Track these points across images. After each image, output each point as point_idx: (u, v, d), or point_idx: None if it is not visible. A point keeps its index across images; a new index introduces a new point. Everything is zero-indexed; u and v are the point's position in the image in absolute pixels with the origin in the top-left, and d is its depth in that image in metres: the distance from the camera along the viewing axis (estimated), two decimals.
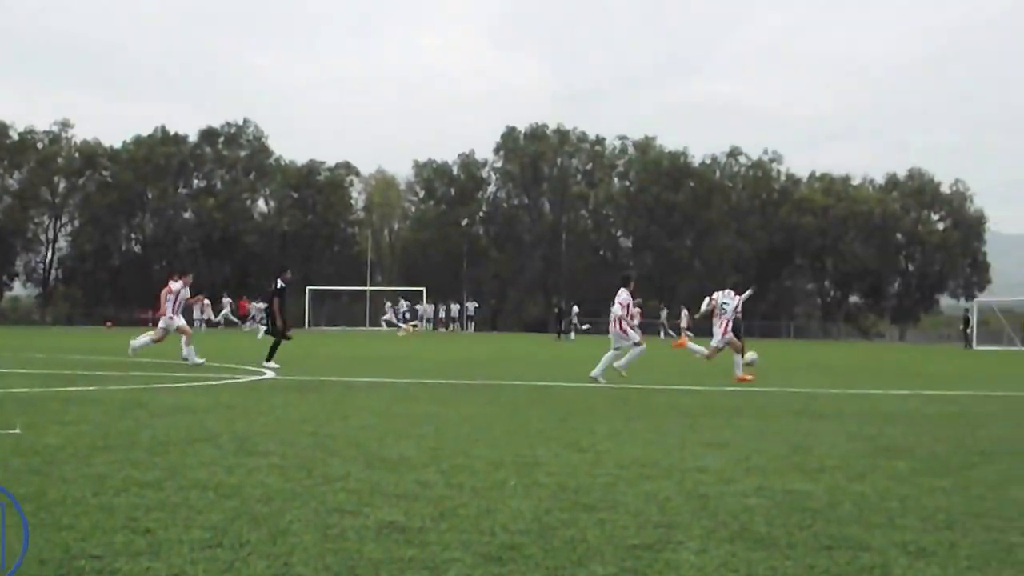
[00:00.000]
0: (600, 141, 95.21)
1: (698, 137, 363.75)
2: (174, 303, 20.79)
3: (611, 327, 18.39)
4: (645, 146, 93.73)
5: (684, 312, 60.62)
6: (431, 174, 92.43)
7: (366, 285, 76.02)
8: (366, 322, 71.61)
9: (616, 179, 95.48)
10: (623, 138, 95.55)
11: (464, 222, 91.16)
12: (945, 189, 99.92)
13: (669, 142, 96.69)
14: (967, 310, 69.02)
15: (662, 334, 64.28)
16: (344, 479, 6.60)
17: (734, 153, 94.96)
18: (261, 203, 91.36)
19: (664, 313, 68.82)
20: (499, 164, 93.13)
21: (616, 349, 18.16)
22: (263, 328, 24.74)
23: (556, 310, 55.43)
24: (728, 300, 20.06)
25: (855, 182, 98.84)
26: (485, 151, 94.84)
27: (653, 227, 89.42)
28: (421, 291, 70.11)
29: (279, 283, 21.10)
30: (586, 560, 4.66)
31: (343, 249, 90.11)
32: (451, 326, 71.94)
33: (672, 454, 8.33)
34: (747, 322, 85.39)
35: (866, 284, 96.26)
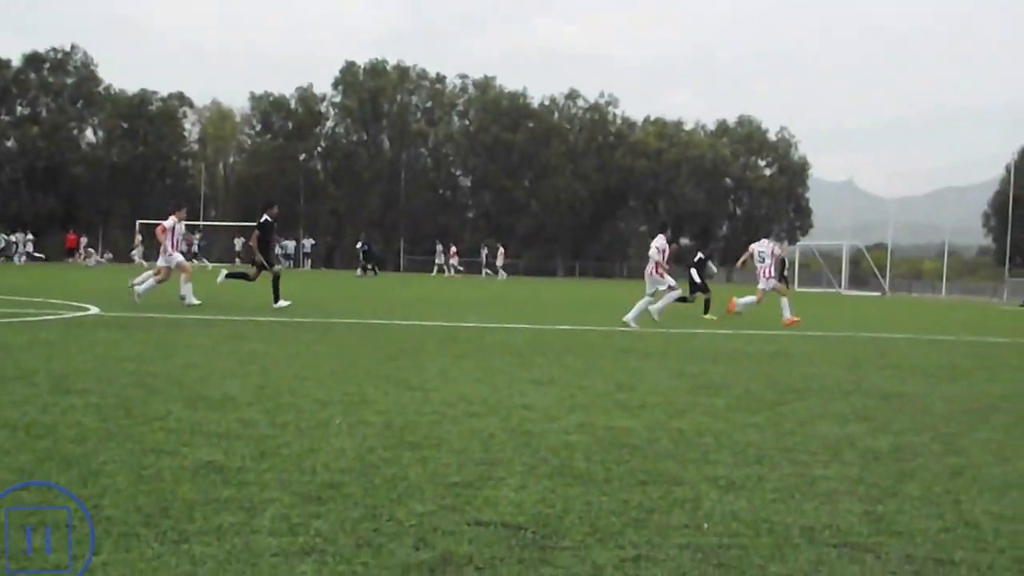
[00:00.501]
0: (441, 79, 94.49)
1: (537, 79, 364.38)
2: (172, 239, 20.24)
3: (647, 272, 19.13)
4: (485, 86, 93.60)
5: (500, 250, 61.98)
6: (268, 107, 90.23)
7: (199, 220, 74.09)
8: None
9: (456, 118, 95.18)
10: (463, 77, 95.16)
11: (302, 157, 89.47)
12: (772, 136, 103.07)
13: (509, 83, 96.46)
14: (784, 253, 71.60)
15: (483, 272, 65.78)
16: (163, 419, 6.45)
17: (572, 96, 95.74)
18: (89, 133, 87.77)
19: (485, 252, 69.32)
20: (338, 99, 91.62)
21: (651, 295, 18.74)
22: (224, 271, 23.07)
23: (364, 247, 54.75)
24: (764, 248, 21.75)
25: (688, 127, 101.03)
26: (324, 86, 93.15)
27: (492, 166, 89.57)
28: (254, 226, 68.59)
29: (264, 218, 20.61)
30: (406, 498, 4.67)
31: (176, 182, 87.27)
32: (286, 263, 70.85)
33: (499, 392, 8.41)
34: (582, 262, 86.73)
35: (696, 226, 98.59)
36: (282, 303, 19.04)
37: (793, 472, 5.54)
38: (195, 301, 19.11)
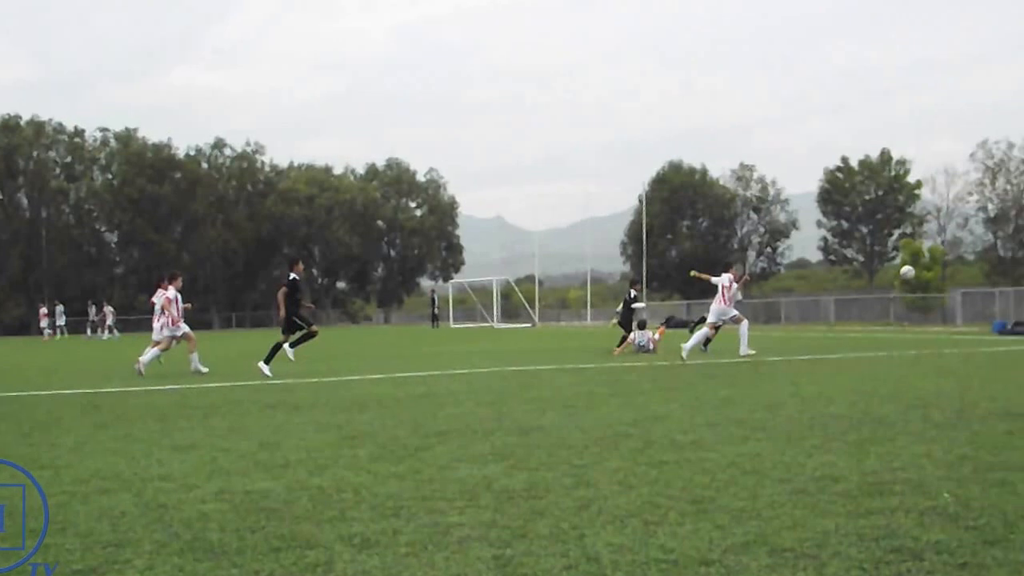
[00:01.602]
0: (79, 133, 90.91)
1: (182, 128, 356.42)
2: (178, 309, 20.29)
3: (714, 303, 21.73)
4: (127, 138, 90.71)
5: (107, 308, 59.75)
6: None
7: None
8: None
9: (98, 172, 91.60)
10: (104, 130, 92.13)
11: None
12: (421, 178, 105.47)
13: (152, 133, 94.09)
14: (433, 291, 73.41)
15: (89, 331, 63.16)
16: None
17: (219, 145, 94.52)
18: None
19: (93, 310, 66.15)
20: None
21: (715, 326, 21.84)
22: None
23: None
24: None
25: (338, 171, 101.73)
26: None
27: (139, 220, 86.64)
28: None
29: (292, 275, 19.39)
30: None
31: None
32: None
33: (137, 462, 8.01)
34: (238, 312, 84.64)
35: (352, 270, 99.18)
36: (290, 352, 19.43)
37: (428, 522, 5.55)
38: (203, 369, 19.68)
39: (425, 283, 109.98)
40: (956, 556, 4.55)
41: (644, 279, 69.12)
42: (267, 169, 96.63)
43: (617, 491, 6.29)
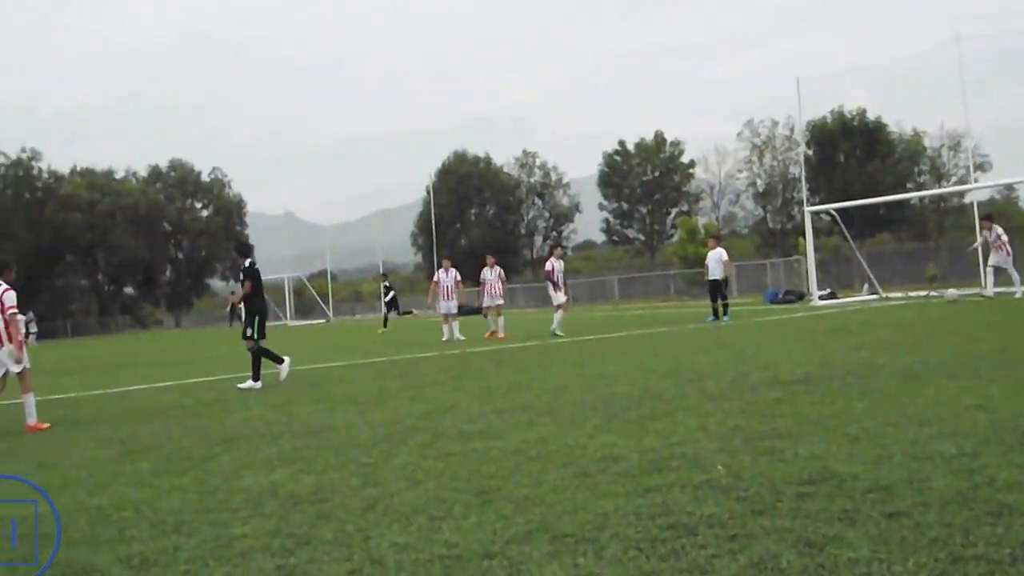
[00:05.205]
0: None
1: None
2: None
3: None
4: None
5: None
6: None
7: None
8: None
9: None
10: None
11: None
12: (206, 177, 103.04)
13: None
14: (232, 292, 71.84)
15: None
16: None
17: None
18: None
19: None
20: None
21: None
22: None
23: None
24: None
25: (119, 175, 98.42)
26: None
27: None
28: None
29: (247, 263, 15.89)
30: None
31: None
32: None
33: None
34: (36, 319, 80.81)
35: (139, 274, 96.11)
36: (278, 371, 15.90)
37: (211, 535, 5.43)
38: None
39: (216, 284, 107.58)
40: (727, 528, 4.74)
41: (436, 267, 68.93)
42: (45, 175, 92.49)
43: (404, 488, 6.30)
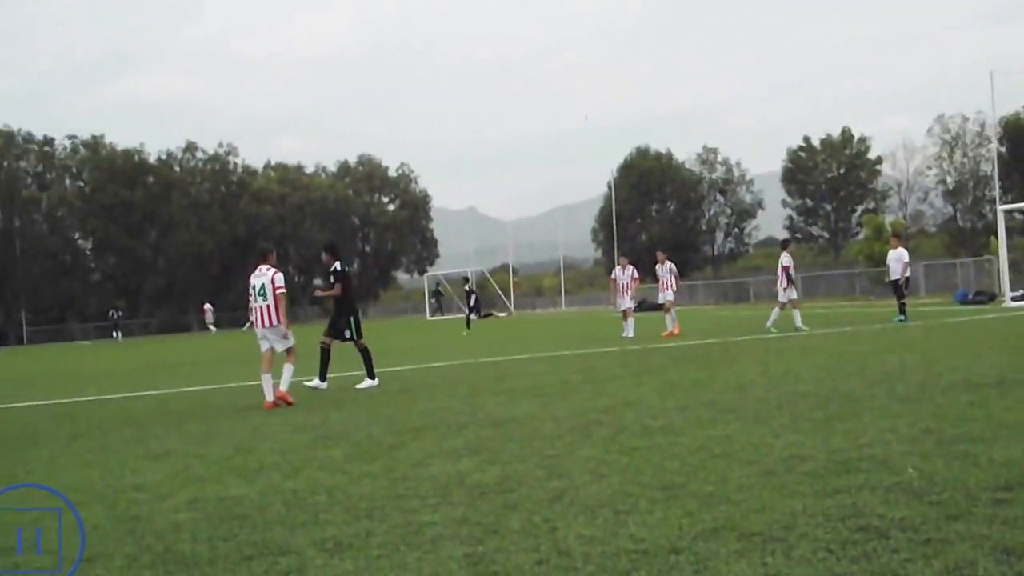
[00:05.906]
0: (49, 142, 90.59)
1: (153, 132, 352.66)
2: None
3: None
4: (95, 145, 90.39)
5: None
6: None
7: None
8: None
9: (69, 180, 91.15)
10: (72, 138, 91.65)
11: None
12: (393, 173, 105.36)
13: (122, 139, 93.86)
14: (438, 283, 73.64)
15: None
16: None
17: (191, 148, 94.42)
18: None
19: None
20: None
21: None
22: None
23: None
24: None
25: (309, 170, 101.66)
26: None
27: (112, 226, 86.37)
28: None
29: (337, 265, 15.54)
30: None
31: None
32: None
33: (111, 474, 8.01)
34: (217, 313, 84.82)
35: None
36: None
37: (401, 522, 5.56)
38: None
39: (401, 276, 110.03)
40: (920, 532, 4.60)
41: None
42: (240, 170, 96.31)
43: (589, 481, 6.32)
